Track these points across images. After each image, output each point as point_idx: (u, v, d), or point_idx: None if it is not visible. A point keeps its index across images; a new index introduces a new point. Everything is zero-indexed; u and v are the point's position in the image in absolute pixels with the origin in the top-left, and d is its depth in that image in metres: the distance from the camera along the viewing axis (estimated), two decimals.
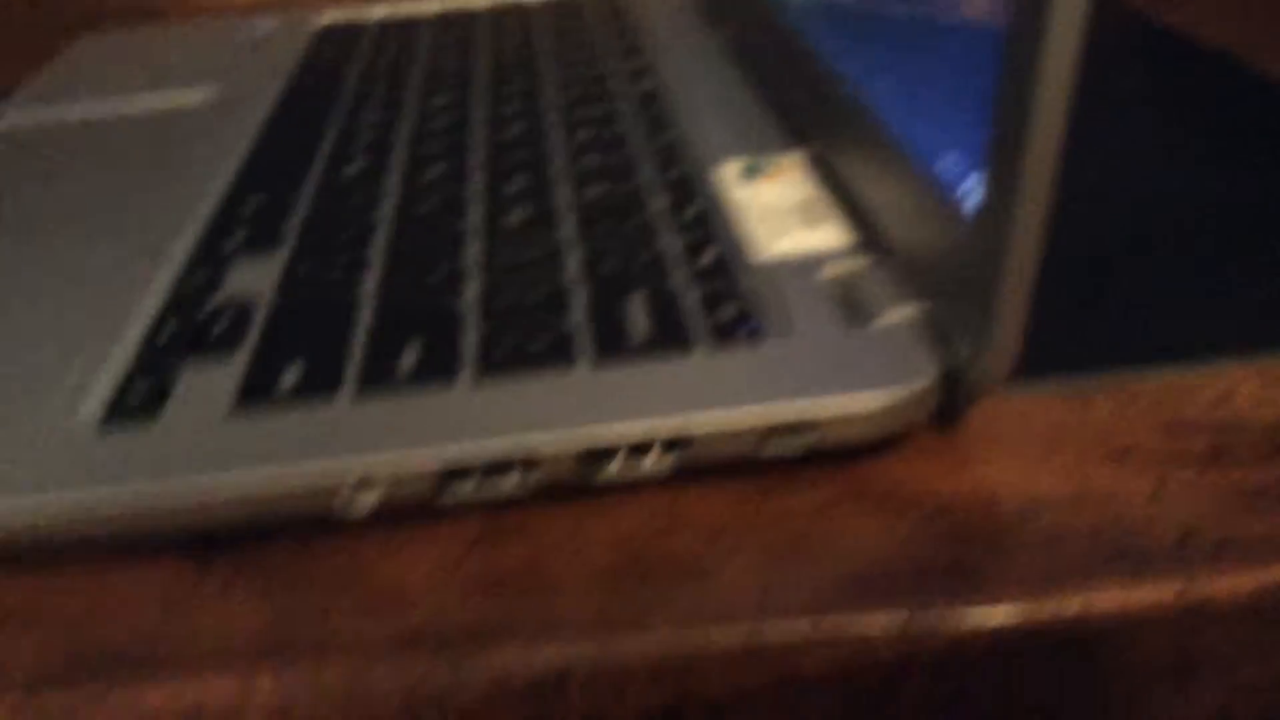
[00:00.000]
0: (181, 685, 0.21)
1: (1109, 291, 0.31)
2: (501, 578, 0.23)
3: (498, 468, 0.24)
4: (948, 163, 0.26)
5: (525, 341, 0.27)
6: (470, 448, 0.24)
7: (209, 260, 0.33)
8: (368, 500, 0.24)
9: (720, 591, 0.23)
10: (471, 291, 0.30)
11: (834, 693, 0.22)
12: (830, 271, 0.29)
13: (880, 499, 0.24)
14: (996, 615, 0.22)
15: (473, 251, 0.33)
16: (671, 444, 0.24)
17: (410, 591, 0.23)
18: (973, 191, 0.24)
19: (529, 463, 0.24)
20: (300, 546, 0.25)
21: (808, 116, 0.38)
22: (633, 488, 0.25)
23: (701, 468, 0.25)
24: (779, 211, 0.33)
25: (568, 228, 0.34)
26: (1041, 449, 0.25)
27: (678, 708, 0.22)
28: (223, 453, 0.25)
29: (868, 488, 0.25)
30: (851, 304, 0.28)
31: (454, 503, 0.24)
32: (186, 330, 0.29)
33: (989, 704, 0.22)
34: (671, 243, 0.32)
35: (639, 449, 0.25)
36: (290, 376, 0.27)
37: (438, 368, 0.27)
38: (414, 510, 0.24)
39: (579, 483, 0.25)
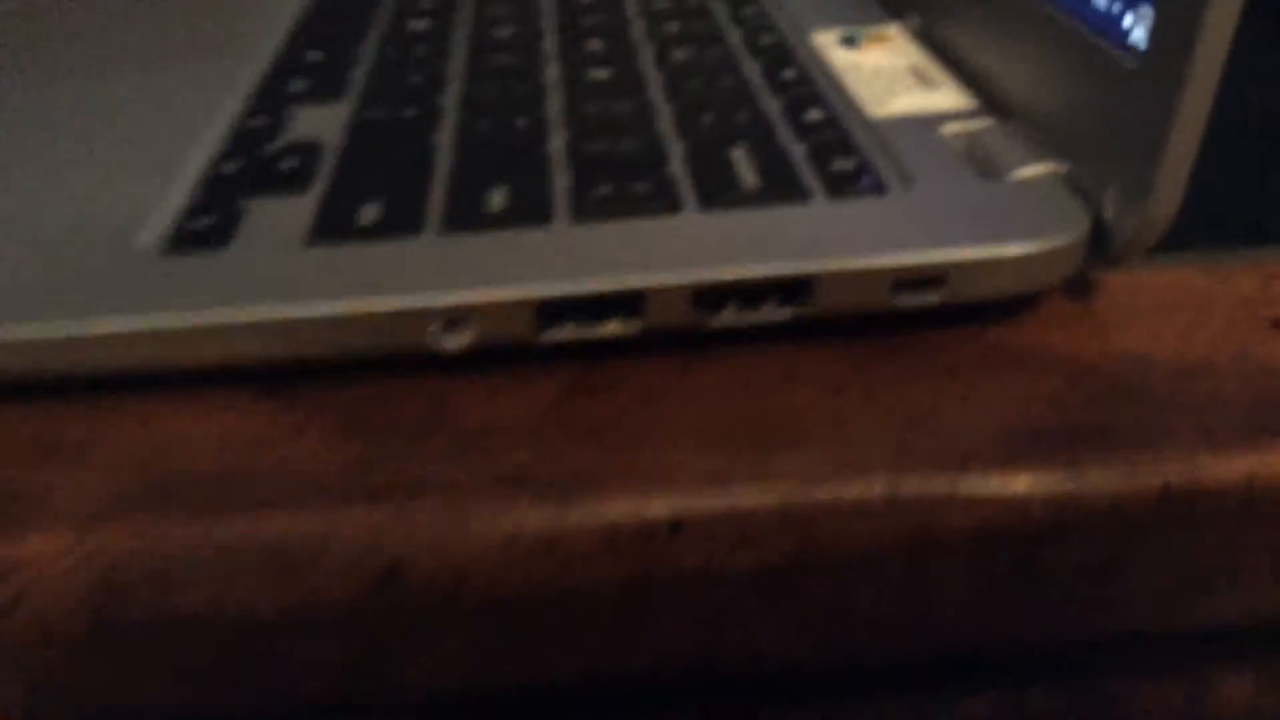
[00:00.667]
0: (263, 518, 0.19)
1: (1247, 163, 0.29)
2: (604, 425, 0.21)
3: (601, 307, 0.22)
4: (1100, 5, 0.23)
5: (623, 186, 0.25)
6: (571, 284, 0.22)
7: (271, 103, 0.31)
8: (460, 338, 0.22)
9: (849, 445, 0.20)
10: (557, 140, 0.28)
11: (972, 556, 0.20)
12: (951, 130, 0.27)
13: (1019, 359, 0.22)
14: (1162, 475, 0.20)
15: (554, 104, 0.30)
16: (791, 291, 0.22)
17: (506, 435, 0.21)
18: (1132, 34, 0.22)
19: (636, 302, 0.22)
20: (380, 384, 0.22)
21: None
22: (743, 339, 0.23)
23: (821, 320, 0.23)
24: (887, 75, 0.31)
25: (655, 87, 0.31)
26: (1190, 318, 0.23)
27: (797, 567, 0.20)
28: (301, 281, 0.22)
29: (1005, 349, 0.23)
30: (980, 160, 0.26)
31: (551, 343, 0.22)
32: (252, 166, 0.27)
33: (1144, 572, 0.20)
34: (771, 102, 0.30)
35: (754, 295, 0.22)
36: (370, 212, 0.25)
37: (529, 208, 0.25)
38: (506, 352, 0.22)
39: (688, 328, 0.22)
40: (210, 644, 0.20)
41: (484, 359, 0.22)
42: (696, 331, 0.23)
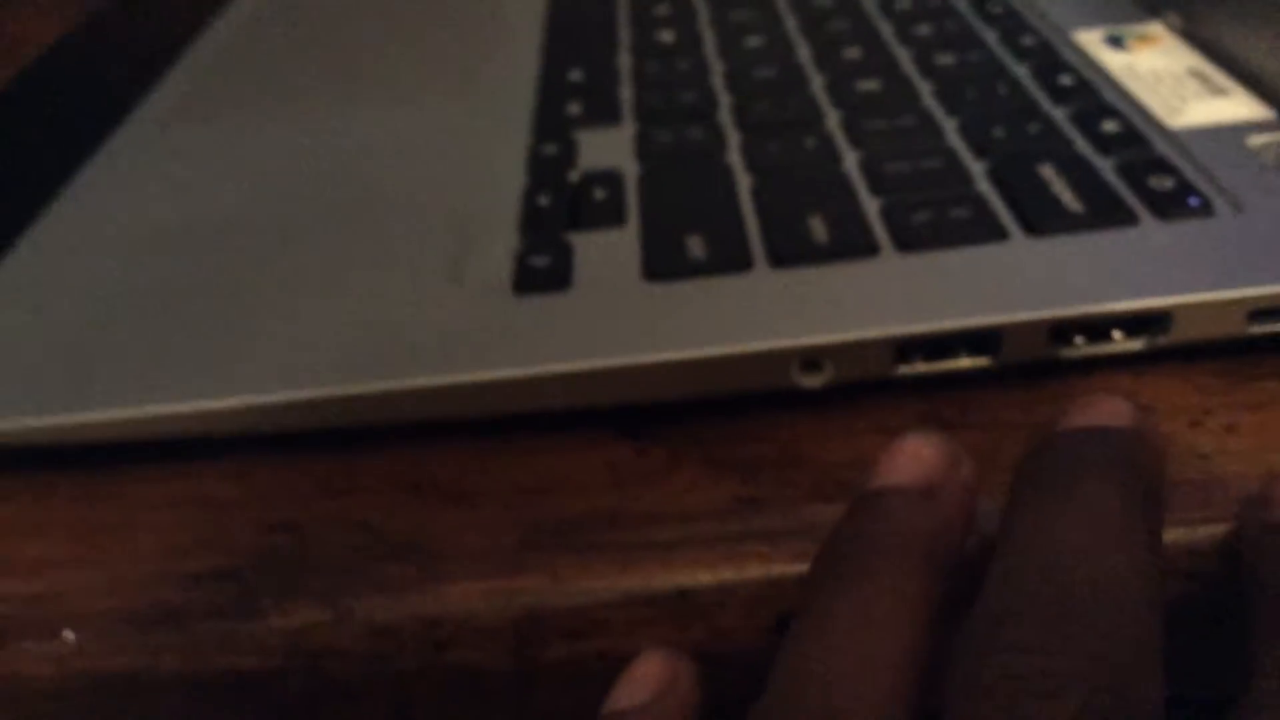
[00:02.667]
0: (669, 562, 0.20)
1: None
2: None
3: (956, 343, 0.23)
4: None
5: (941, 212, 0.25)
6: (929, 323, 0.22)
7: (554, 129, 0.32)
8: (820, 376, 0.23)
9: (1223, 478, 0.21)
10: (850, 160, 0.29)
11: None
12: (1259, 141, 0.27)
13: None
14: None
15: (833, 120, 0.31)
16: (1147, 323, 0.23)
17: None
18: None
19: (991, 339, 0.23)
20: (731, 420, 0.23)
21: None
22: (1087, 369, 0.23)
23: (1171, 350, 0.23)
24: (1169, 80, 0.30)
25: (929, 97, 0.31)
26: None
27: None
28: (658, 323, 0.23)
29: None
30: None
31: (903, 378, 0.23)
32: (562, 200, 0.28)
33: None
34: (1057, 111, 0.30)
35: (1107, 327, 0.23)
36: (696, 247, 0.25)
37: (851, 239, 0.25)
38: (852, 388, 0.23)
39: (1039, 360, 0.23)
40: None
41: (831, 392, 0.23)
42: (1045, 363, 0.23)
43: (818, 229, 0.25)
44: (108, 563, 0.22)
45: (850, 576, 0.17)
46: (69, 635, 0.21)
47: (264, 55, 0.40)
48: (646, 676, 0.19)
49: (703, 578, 0.20)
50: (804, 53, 0.35)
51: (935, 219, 0.25)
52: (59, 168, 0.33)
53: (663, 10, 0.39)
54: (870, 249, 0.25)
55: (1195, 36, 0.32)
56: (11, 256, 0.29)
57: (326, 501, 0.23)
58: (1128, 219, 0.25)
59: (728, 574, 0.20)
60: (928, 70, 0.33)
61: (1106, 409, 0.19)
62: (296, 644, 0.20)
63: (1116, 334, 0.23)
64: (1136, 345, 0.23)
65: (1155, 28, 0.33)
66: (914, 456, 0.19)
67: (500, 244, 0.27)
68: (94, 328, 0.25)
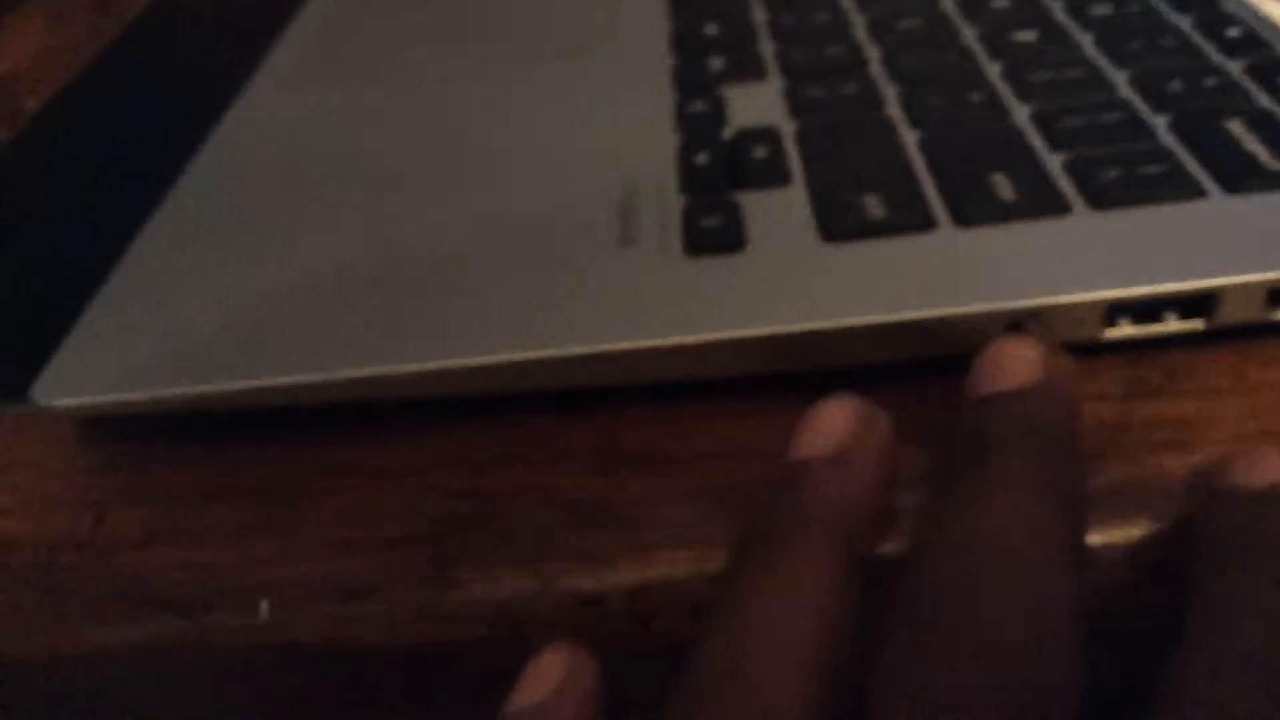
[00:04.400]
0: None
1: None
2: (1178, 427, 0.21)
3: (1167, 305, 0.22)
4: None
5: (1131, 168, 0.24)
6: (1142, 285, 0.21)
7: (700, 85, 0.31)
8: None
9: None
10: (1021, 114, 0.27)
11: None
12: None
13: None
14: None
15: (993, 71, 0.30)
16: None
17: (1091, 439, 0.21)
18: None
19: (1207, 301, 0.22)
20: (925, 385, 0.22)
21: None
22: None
23: None
24: None
25: (1088, 46, 0.30)
26: None
27: None
28: (854, 285, 0.22)
29: None
30: None
31: (1108, 341, 0.22)
32: (720, 159, 0.27)
33: None
34: (1231, 64, 0.28)
35: None
36: (874, 207, 0.24)
37: (1040, 197, 0.24)
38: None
39: (1252, 324, 0.22)
40: None
41: None
42: (1257, 326, 0.22)
43: (1002, 186, 0.25)
44: (294, 530, 0.21)
45: (762, 559, 0.17)
46: (265, 606, 0.20)
47: (380, 17, 0.39)
48: (546, 673, 0.19)
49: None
50: (948, 2, 0.34)
51: (1127, 176, 0.24)
52: (188, 129, 0.32)
53: None
54: (1062, 207, 0.24)
55: None
56: (159, 215, 0.28)
57: (513, 469, 0.22)
58: None
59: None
60: (1085, 21, 0.31)
61: (1013, 364, 0.19)
62: (501, 613, 0.20)
63: None
64: None
65: None
66: (826, 424, 0.19)
67: (665, 205, 0.26)
68: (258, 293, 0.24)
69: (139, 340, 0.24)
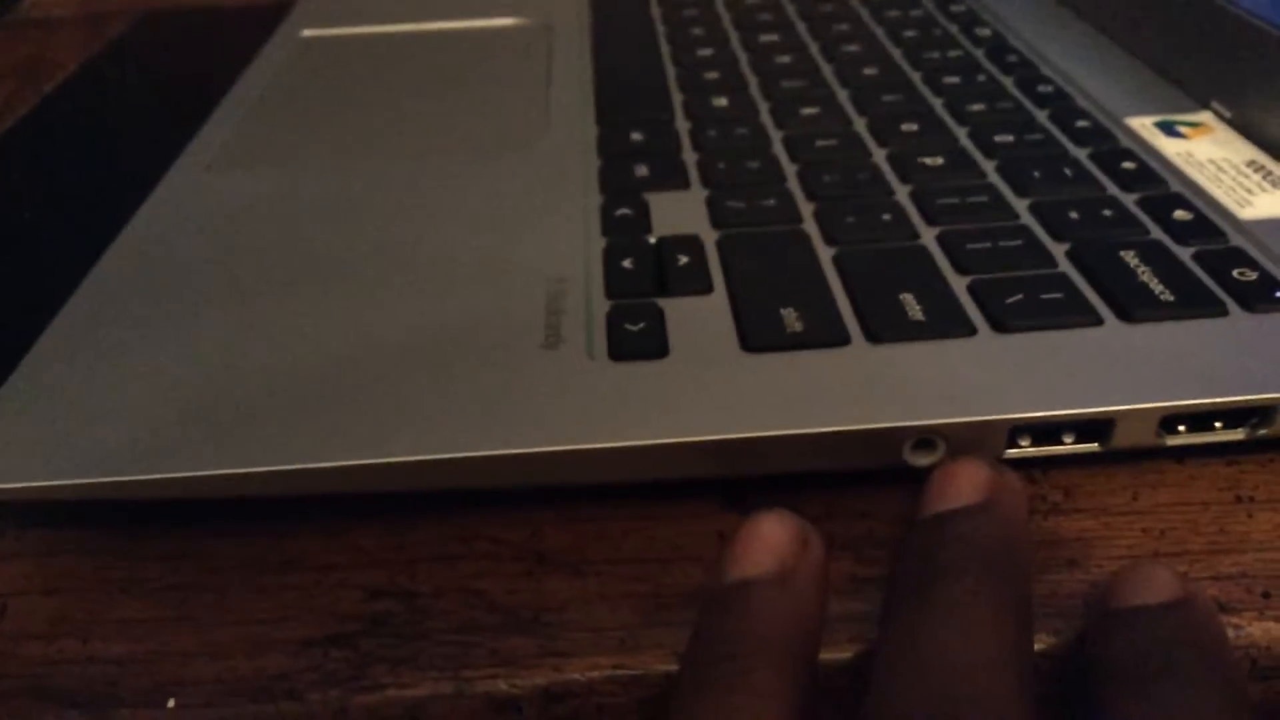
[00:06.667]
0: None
1: None
2: (1078, 541, 0.22)
3: (1066, 429, 0.23)
4: None
5: (1033, 296, 0.26)
6: (1042, 409, 0.23)
7: (624, 192, 0.32)
8: (931, 455, 0.23)
9: None
10: (928, 236, 0.29)
11: None
12: None
13: None
14: None
15: (902, 192, 0.31)
16: (1252, 414, 0.23)
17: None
18: None
19: (1103, 426, 0.23)
20: (837, 495, 0.23)
21: (1208, 74, 0.36)
22: (1180, 456, 0.24)
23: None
24: (1230, 170, 0.31)
25: (991, 174, 0.32)
26: None
27: None
28: (769, 397, 0.23)
29: None
30: None
31: (1009, 459, 0.23)
32: (645, 264, 0.28)
33: None
34: (1126, 197, 0.30)
35: (1213, 418, 0.23)
36: (791, 319, 0.25)
37: (946, 318, 0.25)
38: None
39: (1145, 448, 0.23)
40: None
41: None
42: (1149, 450, 0.23)
43: (912, 307, 0.26)
44: (207, 625, 0.21)
45: (714, 683, 0.17)
46: (172, 704, 0.20)
47: (311, 104, 0.40)
48: (773, 540, 0.19)
49: (830, 656, 0.20)
50: (861, 124, 0.35)
51: (1028, 301, 0.26)
52: (106, 212, 0.32)
53: (712, 75, 0.40)
54: (968, 329, 0.25)
55: (1245, 125, 0.33)
56: (74, 300, 0.28)
57: (436, 569, 0.22)
58: (1218, 310, 0.25)
59: (846, 655, 0.20)
60: (989, 148, 0.33)
61: (959, 483, 0.20)
62: (414, 717, 0.20)
63: (1218, 424, 0.23)
64: (1239, 435, 0.23)
65: (1205, 115, 0.34)
66: (766, 542, 0.19)
67: (590, 307, 0.26)
68: (174, 382, 0.24)
69: (47, 427, 0.23)
